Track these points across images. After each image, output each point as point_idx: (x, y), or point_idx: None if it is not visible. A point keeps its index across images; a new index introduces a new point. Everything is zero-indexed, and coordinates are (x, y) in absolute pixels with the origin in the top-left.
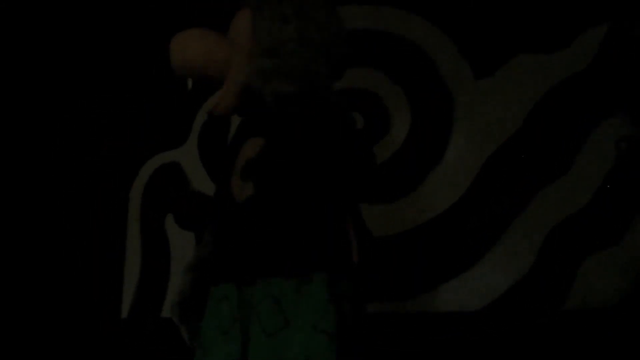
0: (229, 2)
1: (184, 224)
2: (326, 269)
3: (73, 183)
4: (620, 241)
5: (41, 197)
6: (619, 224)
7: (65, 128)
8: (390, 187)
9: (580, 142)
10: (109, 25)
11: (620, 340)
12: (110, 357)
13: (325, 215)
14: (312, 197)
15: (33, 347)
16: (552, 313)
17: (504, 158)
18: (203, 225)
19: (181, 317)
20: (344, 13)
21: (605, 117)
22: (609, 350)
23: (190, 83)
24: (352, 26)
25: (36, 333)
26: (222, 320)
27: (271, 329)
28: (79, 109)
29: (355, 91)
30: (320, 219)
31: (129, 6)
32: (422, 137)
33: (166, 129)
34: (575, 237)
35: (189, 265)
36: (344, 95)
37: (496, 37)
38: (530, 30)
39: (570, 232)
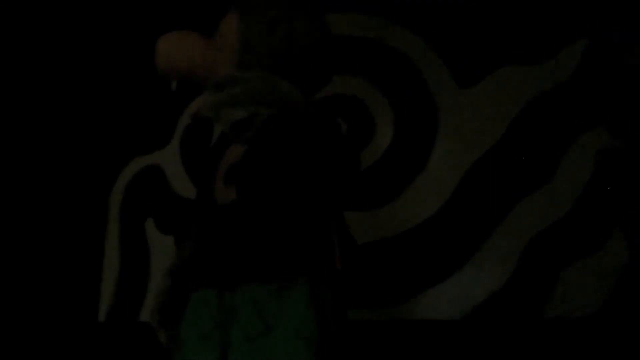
0: (217, 4)
1: (164, 228)
2: (308, 275)
3: (52, 183)
4: (601, 249)
5: (18, 199)
6: (599, 233)
7: (45, 128)
8: (373, 194)
9: (561, 152)
10: (92, 24)
11: (600, 347)
12: None
13: (308, 221)
14: (295, 202)
15: (7, 350)
16: (533, 320)
17: (486, 166)
18: (183, 229)
19: (160, 321)
20: (330, 20)
21: (587, 128)
22: (589, 358)
23: (174, 84)
24: (338, 33)
25: (11, 336)
26: (202, 326)
27: (252, 334)
28: (60, 109)
29: (339, 97)
30: (303, 224)
31: (114, 5)
32: (405, 144)
33: (148, 131)
34: (557, 245)
35: (169, 269)
36: (328, 101)
37: (481, 47)
38: (514, 42)
39: (551, 240)
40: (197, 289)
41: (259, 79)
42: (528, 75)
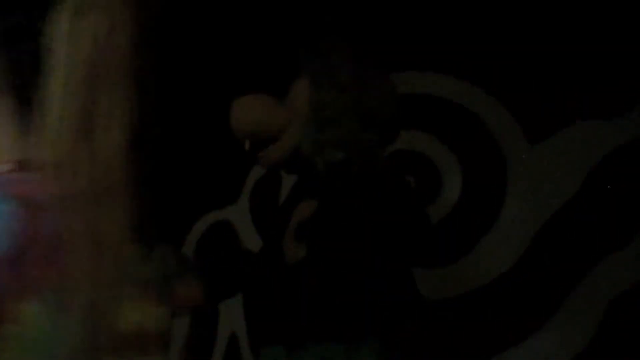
0: (289, 67)
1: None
2: (377, 335)
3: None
4: None
5: None
6: None
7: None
8: (442, 251)
9: None
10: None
11: None
12: None
13: (378, 280)
14: (365, 260)
15: None
16: None
17: (561, 224)
18: (250, 283)
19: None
20: (398, 79)
21: None
22: None
23: (247, 144)
24: (406, 91)
25: None
26: None
27: None
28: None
29: (406, 153)
30: (373, 283)
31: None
32: (474, 201)
33: (219, 187)
34: (639, 310)
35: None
36: (396, 157)
37: (551, 102)
38: (587, 97)
39: (633, 305)
40: (265, 345)
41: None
42: (602, 130)
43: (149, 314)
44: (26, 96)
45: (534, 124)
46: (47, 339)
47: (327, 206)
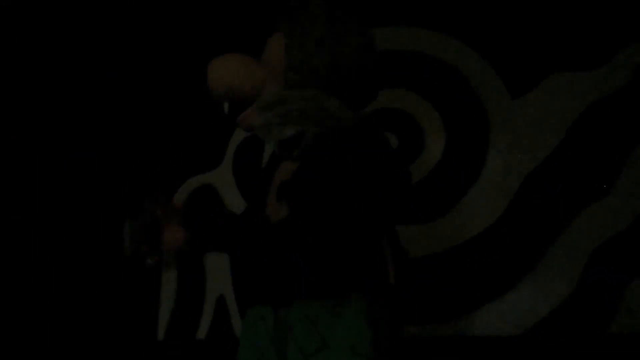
0: (264, 26)
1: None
2: (362, 291)
3: (110, 205)
4: None
5: (76, 220)
6: None
7: (102, 152)
8: (426, 207)
9: (621, 161)
10: (146, 48)
11: None
12: None
13: (361, 236)
14: (348, 218)
15: None
16: (597, 336)
17: (543, 177)
18: (236, 246)
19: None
20: (379, 34)
21: None
22: None
23: (226, 106)
24: (387, 47)
25: (75, 355)
26: (259, 342)
27: (309, 350)
28: (117, 133)
29: (389, 111)
30: (356, 240)
31: (171, 33)
32: (457, 156)
33: (201, 152)
34: (620, 258)
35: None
36: (378, 115)
37: (532, 56)
38: (567, 48)
39: (614, 253)
40: (252, 305)
41: (307, 97)
42: (582, 82)
43: None
44: None
45: (515, 77)
46: None
47: (308, 166)
